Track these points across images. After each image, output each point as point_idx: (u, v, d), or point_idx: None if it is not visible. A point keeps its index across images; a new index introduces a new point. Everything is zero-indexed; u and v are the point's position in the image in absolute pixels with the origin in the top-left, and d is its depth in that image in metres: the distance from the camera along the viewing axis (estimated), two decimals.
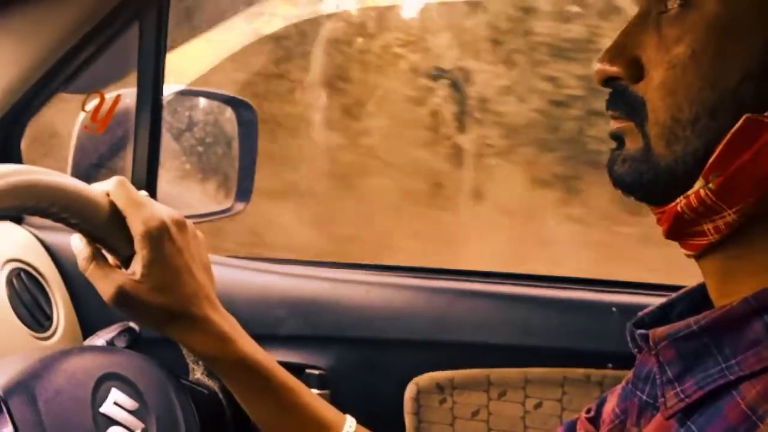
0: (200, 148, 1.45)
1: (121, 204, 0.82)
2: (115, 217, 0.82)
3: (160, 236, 0.82)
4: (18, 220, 1.26)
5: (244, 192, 1.44)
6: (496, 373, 1.14)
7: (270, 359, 0.86)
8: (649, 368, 0.68)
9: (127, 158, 1.26)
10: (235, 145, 1.42)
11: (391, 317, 1.15)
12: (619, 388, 0.76)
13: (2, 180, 0.71)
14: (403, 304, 1.16)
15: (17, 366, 0.74)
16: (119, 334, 0.96)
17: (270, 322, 1.13)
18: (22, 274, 1.15)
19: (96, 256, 0.82)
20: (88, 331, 1.22)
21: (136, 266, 0.81)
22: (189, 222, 0.87)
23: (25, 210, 0.77)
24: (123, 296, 0.80)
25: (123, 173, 1.27)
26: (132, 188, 0.83)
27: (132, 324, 0.96)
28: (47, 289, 1.19)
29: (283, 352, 1.12)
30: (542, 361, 1.14)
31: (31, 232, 1.23)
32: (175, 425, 0.82)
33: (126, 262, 0.84)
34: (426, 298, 1.18)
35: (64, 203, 0.78)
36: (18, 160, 1.25)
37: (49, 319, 1.17)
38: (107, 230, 0.83)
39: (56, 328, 1.17)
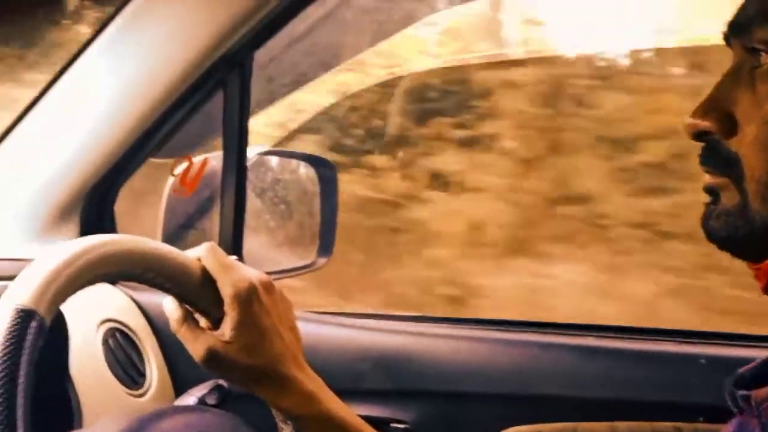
0: (282, 206, 1.49)
1: (211, 268, 0.85)
2: (206, 280, 0.86)
3: (248, 298, 0.85)
4: (113, 282, 1.31)
5: (326, 247, 1.47)
6: (583, 427, 1.12)
7: (356, 417, 0.88)
8: (751, 429, 0.66)
9: (214, 219, 1.30)
10: (317, 202, 1.46)
11: (475, 371, 1.15)
12: None
13: (101, 249, 0.75)
14: (487, 358, 1.16)
15: (113, 427, 0.77)
16: (210, 391, 0.99)
17: (353, 376, 1.14)
18: (117, 333, 1.20)
19: (187, 319, 0.86)
20: (180, 387, 1.25)
21: (226, 328, 0.84)
22: (276, 284, 0.89)
23: (121, 276, 0.81)
24: (213, 357, 0.83)
25: (210, 234, 1.32)
26: (221, 253, 0.87)
27: (222, 382, 0.99)
28: (141, 347, 1.23)
29: (366, 406, 1.13)
30: (630, 414, 1.12)
31: (125, 293, 1.28)
32: None
33: (216, 323, 0.87)
34: (510, 351, 1.17)
35: (158, 269, 0.82)
36: (111, 224, 1.31)
37: (143, 376, 1.21)
38: (198, 293, 0.86)
39: (150, 386, 1.21)
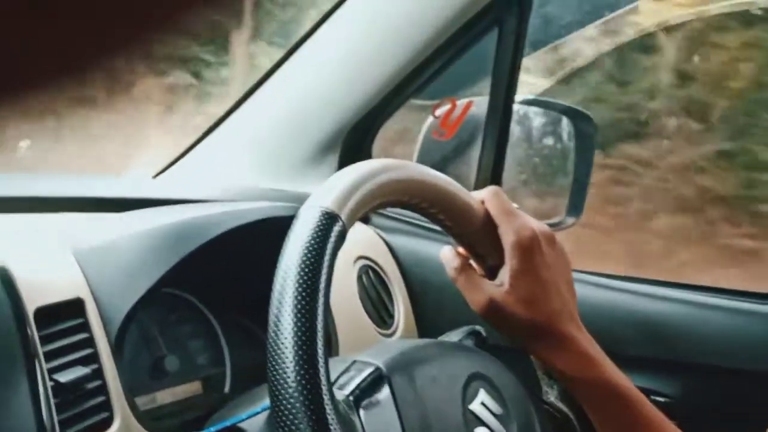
0: (536, 159, 1.43)
1: (494, 212, 0.82)
2: (488, 225, 0.82)
3: (530, 248, 0.81)
4: (365, 220, 1.31)
5: (575, 206, 1.40)
6: None
7: (632, 386, 0.81)
8: None
9: (470, 165, 1.27)
10: (571, 157, 1.39)
11: (755, 348, 1.04)
12: None
13: (397, 172, 0.74)
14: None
15: (399, 346, 0.77)
16: (466, 336, 0.96)
17: (615, 340, 1.08)
18: (371, 271, 1.20)
19: (466, 267, 0.83)
20: (424, 332, 1.24)
21: (504, 276, 0.81)
22: (557, 237, 0.85)
23: (404, 205, 0.79)
24: (492, 307, 0.80)
25: (465, 180, 1.29)
26: (506, 198, 0.83)
27: (478, 328, 0.96)
28: (390, 288, 1.23)
29: (626, 374, 1.06)
30: None
31: (377, 233, 1.28)
32: None
33: (491, 271, 0.84)
34: None
35: (443, 204, 0.80)
36: None
37: (392, 317, 1.21)
38: (478, 237, 0.83)
39: (397, 327, 1.21)
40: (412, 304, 1.25)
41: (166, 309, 0.99)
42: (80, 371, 0.74)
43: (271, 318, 0.62)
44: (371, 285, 1.19)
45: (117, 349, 0.80)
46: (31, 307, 0.71)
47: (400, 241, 1.28)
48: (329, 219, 0.67)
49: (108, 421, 0.77)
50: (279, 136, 1.31)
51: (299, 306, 0.62)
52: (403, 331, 1.21)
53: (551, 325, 0.80)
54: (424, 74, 1.19)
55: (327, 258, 0.65)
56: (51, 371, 0.72)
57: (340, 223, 0.67)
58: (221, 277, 0.99)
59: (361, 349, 1.06)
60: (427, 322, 1.24)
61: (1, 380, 0.66)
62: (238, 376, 1.04)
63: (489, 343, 0.94)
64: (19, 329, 0.68)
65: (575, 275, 1.18)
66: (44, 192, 0.98)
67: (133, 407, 0.80)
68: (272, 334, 0.62)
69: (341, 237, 0.68)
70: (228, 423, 0.72)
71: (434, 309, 1.23)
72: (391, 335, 1.19)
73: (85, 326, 0.77)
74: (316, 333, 0.62)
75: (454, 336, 0.97)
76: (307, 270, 0.63)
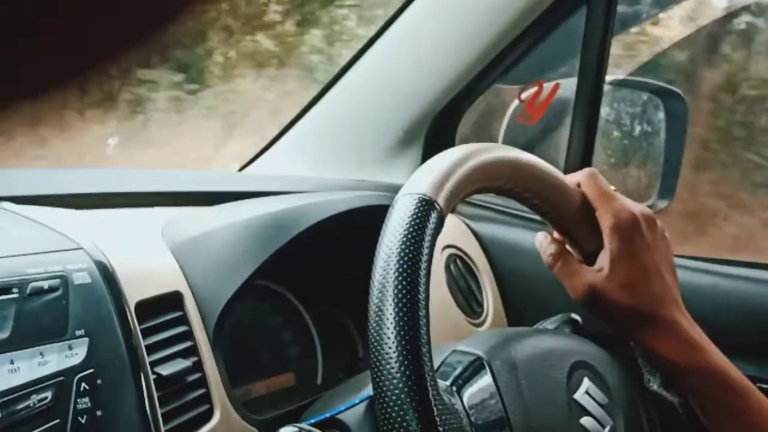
0: (625, 141, 1.39)
1: (592, 195, 0.79)
2: (585, 209, 0.80)
3: (630, 231, 0.78)
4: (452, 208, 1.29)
5: (667, 189, 1.35)
6: None
7: (740, 373, 0.78)
8: None
9: (557, 149, 1.24)
10: (661, 138, 1.34)
11: None
12: None
13: (485, 156, 0.72)
14: None
15: (498, 335, 0.75)
16: (563, 324, 0.94)
17: (718, 326, 1.04)
18: (458, 260, 1.18)
19: (563, 253, 0.81)
20: (513, 321, 1.22)
21: (604, 261, 0.78)
22: (658, 219, 0.81)
23: (499, 190, 0.77)
24: (593, 293, 0.77)
25: (552, 164, 1.25)
26: (603, 180, 0.81)
27: (574, 315, 0.93)
28: (478, 276, 1.21)
29: (731, 361, 1.02)
30: None
31: (462, 221, 1.26)
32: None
33: (588, 257, 0.81)
34: None
35: (538, 188, 0.77)
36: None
37: (480, 306, 1.19)
38: (575, 221, 0.81)
39: (486, 316, 1.19)
40: (501, 292, 1.23)
41: (258, 300, 0.99)
42: (181, 364, 0.74)
43: (372, 308, 0.61)
44: (459, 274, 1.17)
45: (214, 341, 0.80)
46: (132, 302, 0.72)
47: (486, 229, 1.25)
48: (427, 206, 0.65)
49: (208, 414, 0.77)
50: (362, 127, 1.30)
51: (401, 296, 0.61)
52: (492, 320, 1.19)
53: (654, 310, 0.77)
54: (509, 57, 1.17)
55: (426, 245, 0.64)
56: (153, 364, 0.72)
57: (438, 209, 0.66)
58: (311, 267, 0.99)
59: (451, 339, 1.05)
60: (517, 311, 1.21)
61: (107, 374, 0.66)
62: (330, 367, 1.04)
63: (587, 331, 0.92)
64: (121, 323, 0.69)
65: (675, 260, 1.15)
66: (136, 187, 0.99)
67: (232, 399, 0.80)
68: (374, 325, 0.61)
69: (440, 223, 0.66)
70: (328, 414, 0.72)
71: (524, 297, 1.21)
72: (480, 324, 1.18)
73: (184, 319, 0.78)
74: (419, 323, 0.61)
75: (549, 324, 0.94)
76: (407, 258, 0.62)
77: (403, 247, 0.62)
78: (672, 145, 1.34)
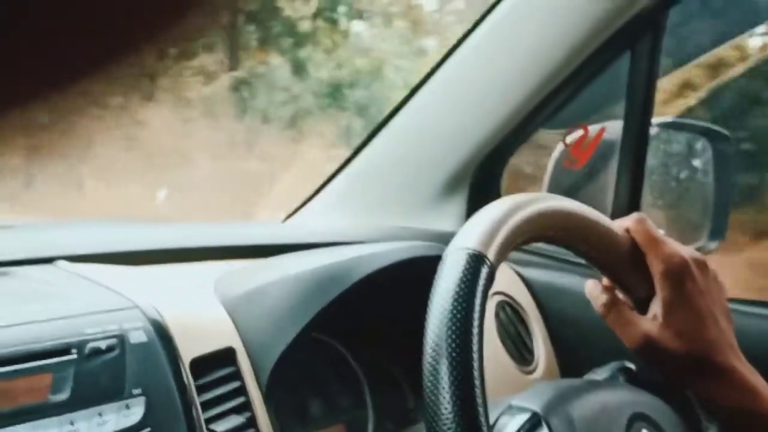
0: (673, 183, 1.37)
1: (641, 240, 0.78)
2: (634, 254, 0.79)
3: (681, 276, 0.76)
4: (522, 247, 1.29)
5: (718, 230, 1.33)
6: None
7: None
8: None
9: (604, 193, 1.23)
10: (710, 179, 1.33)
11: None
12: None
13: (533, 207, 0.71)
14: None
15: (554, 389, 0.74)
16: (616, 372, 0.92)
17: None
18: (507, 307, 1.18)
19: (616, 302, 0.80)
20: (564, 368, 1.20)
21: (657, 309, 0.77)
22: (710, 263, 0.80)
23: (547, 239, 0.76)
24: (648, 343, 0.76)
25: (599, 209, 1.24)
26: (652, 225, 0.79)
27: (629, 363, 0.92)
28: (528, 323, 1.20)
29: None
30: None
31: (511, 267, 1.25)
32: None
33: (639, 303, 0.80)
34: None
35: (587, 235, 0.77)
36: (498, 195, 1.28)
37: (531, 353, 1.18)
38: (625, 267, 0.80)
39: (537, 364, 1.17)
40: (551, 339, 1.21)
41: (308, 351, 0.99)
42: (235, 420, 0.74)
43: (427, 369, 0.61)
44: (509, 321, 1.16)
45: (267, 395, 0.80)
46: (186, 359, 0.72)
47: (535, 275, 1.24)
48: (477, 261, 0.65)
49: None
50: (407, 173, 1.30)
51: (455, 353, 0.60)
52: (544, 368, 1.18)
53: (709, 356, 0.76)
54: (555, 102, 1.16)
55: (478, 301, 0.63)
56: (207, 421, 0.73)
57: (488, 264, 0.66)
58: (361, 318, 0.99)
59: (503, 388, 1.04)
60: (569, 358, 1.19)
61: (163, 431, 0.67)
62: (380, 418, 1.03)
63: (641, 379, 0.90)
64: (177, 381, 0.69)
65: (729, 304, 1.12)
66: (186, 242, 1.00)
67: None
68: (430, 386, 0.61)
69: (490, 278, 0.66)
70: None
71: (575, 343, 1.19)
72: (531, 372, 1.16)
73: (237, 375, 0.78)
74: (473, 379, 0.60)
75: (602, 373, 0.93)
76: (460, 317, 0.61)
77: (455, 304, 0.62)
78: (720, 186, 1.33)
